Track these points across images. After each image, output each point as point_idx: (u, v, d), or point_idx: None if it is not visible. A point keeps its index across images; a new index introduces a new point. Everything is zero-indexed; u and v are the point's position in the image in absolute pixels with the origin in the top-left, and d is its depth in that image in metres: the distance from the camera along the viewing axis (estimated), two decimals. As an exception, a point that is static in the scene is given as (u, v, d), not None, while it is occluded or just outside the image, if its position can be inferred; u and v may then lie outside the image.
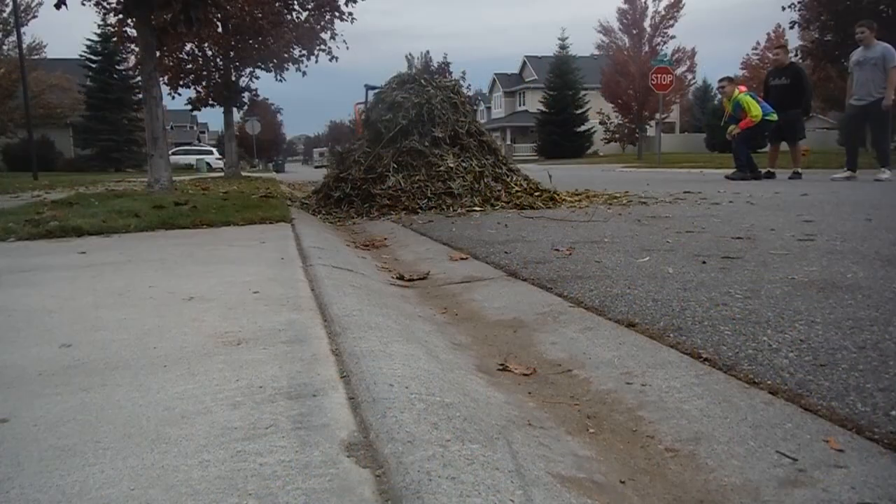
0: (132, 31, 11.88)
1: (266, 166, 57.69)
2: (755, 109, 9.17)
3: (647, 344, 1.61)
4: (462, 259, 3.05)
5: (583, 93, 43.38)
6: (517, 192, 5.88)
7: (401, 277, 2.76)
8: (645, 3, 33.62)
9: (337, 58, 15.54)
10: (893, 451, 1.03)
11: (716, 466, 1.04)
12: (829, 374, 1.33)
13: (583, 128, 43.66)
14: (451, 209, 5.38)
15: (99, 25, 29.38)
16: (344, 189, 5.96)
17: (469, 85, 42.97)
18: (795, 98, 9.44)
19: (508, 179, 6.09)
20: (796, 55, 18.86)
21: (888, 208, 4.65)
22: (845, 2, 18.09)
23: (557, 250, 3.06)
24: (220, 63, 16.34)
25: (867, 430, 1.10)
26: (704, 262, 2.58)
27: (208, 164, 35.73)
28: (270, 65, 16.15)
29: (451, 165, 5.86)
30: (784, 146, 9.92)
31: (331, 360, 1.40)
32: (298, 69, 16.08)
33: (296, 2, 15.09)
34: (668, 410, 1.25)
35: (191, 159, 37.19)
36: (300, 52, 15.77)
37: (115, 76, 32.66)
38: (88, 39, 32.46)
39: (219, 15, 14.04)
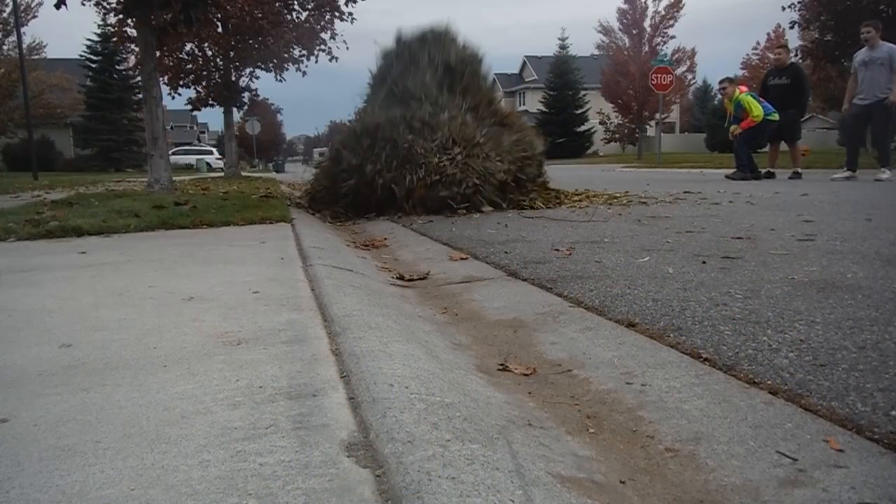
0: (132, 31, 11.89)
1: (266, 166, 57.71)
2: (756, 109, 9.19)
3: (647, 344, 1.61)
4: (462, 259, 3.05)
5: (583, 93, 43.37)
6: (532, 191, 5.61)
7: (401, 277, 2.76)
8: (645, 3, 33.67)
9: (337, 58, 15.56)
10: (893, 451, 1.03)
11: (716, 466, 1.04)
12: (829, 374, 1.33)
13: (583, 128, 43.65)
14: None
15: (99, 25, 29.44)
16: (340, 191, 5.49)
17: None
18: (795, 98, 9.46)
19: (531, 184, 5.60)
20: (796, 55, 18.86)
21: (888, 208, 4.65)
22: (845, 2, 18.10)
23: (557, 250, 3.06)
24: (220, 63, 16.35)
25: (867, 430, 1.09)
26: (704, 262, 2.58)
27: (208, 164, 35.74)
28: (270, 65, 16.17)
29: (458, 159, 5.19)
30: (784, 146, 9.94)
31: (331, 360, 1.40)
32: (298, 69, 16.10)
33: (296, 2, 15.11)
34: (668, 410, 1.24)
35: (191, 159, 37.21)
36: (300, 52, 15.79)
37: (115, 76, 32.66)
38: (88, 39, 32.49)
39: (219, 15, 14.05)
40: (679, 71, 32.65)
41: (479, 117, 5.72)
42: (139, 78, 12.31)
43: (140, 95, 17.49)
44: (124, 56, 28.18)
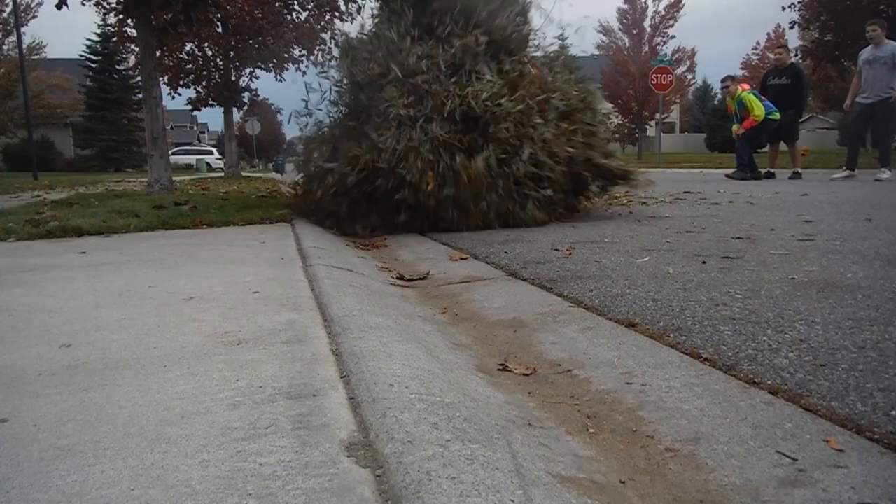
0: (132, 31, 11.91)
1: (266, 166, 57.66)
2: (758, 108, 9.19)
3: (647, 344, 1.61)
4: (462, 259, 3.05)
5: (583, 93, 43.31)
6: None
7: (401, 277, 2.76)
8: (645, 3, 33.66)
9: (337, 57, 15.54)
10: (893, 451, 1.03)
11: (716, 466, 1.04)
12: (829, 374, 1.33)
13: (583, 128, 43.58)
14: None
15: (99, 25, 29.35)
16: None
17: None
18: (794, 98, 9.48)
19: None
20: (796, 55, 18.87)
21: (888, 208, 4.65)
22: (845, 2, 18.10)
23: (557, 250, 3.06)
24: (220, 63, 16.36)
25: (867, 430, 1.09)
26: (704, 262, 2.58)
27: (208, 164, 35.75)
28: (270, 65, 16.17)
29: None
30: (783, 146, 9.95)
31: (331, 360, 1.40)
32: (298, 69, 16.12)
33: (296, 2, 15.12)
34: (668, 410, 1.24)
35: (191, 159, 37.22)
36: (300, 52, 15.80)
37: (115, 76, 32.62)
38: (88, 39, 32.42)
39: (219, 15, 14.07)
40: (679, 71, 32.65)
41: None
42: (139, 78, 12.30)
43: (140, 95, 17.46)
44: (124, 56, 28.18)
